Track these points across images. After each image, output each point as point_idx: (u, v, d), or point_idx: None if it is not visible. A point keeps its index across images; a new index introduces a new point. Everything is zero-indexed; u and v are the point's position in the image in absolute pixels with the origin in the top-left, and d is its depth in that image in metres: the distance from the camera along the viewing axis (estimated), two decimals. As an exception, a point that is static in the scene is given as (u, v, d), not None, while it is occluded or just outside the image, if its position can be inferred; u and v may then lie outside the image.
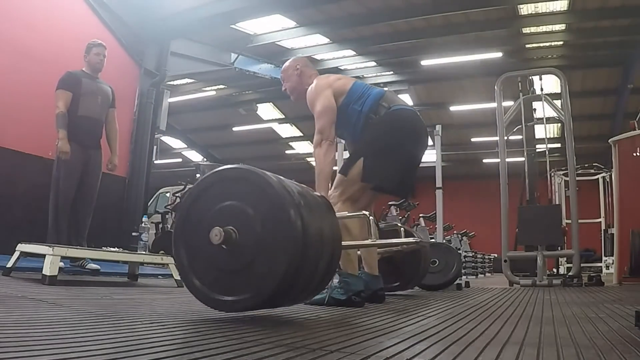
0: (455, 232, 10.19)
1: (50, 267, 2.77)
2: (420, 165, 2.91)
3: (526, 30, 9.53)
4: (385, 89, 2.98)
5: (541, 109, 6.44)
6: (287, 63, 3.05)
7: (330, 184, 2.67)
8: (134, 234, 5.70)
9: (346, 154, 5.18)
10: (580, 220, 5.94)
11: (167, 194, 9.75)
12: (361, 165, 2.65)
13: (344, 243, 2.16)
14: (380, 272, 2.94)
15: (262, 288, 1.57)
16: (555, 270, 9.10)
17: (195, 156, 18.51)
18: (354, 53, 10.57)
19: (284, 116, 15.19)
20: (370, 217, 2.41)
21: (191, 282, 1.70)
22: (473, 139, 15.57)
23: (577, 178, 6.69)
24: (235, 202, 1.66)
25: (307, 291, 1.82)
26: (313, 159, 2.64)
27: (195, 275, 1.69)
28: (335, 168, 2.79)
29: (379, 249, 3.04)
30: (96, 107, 3.96)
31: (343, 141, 4.37)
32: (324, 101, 2.71)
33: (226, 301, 1.63)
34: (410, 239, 2.88)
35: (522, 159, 7.75)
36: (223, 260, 1.64)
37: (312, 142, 2.86)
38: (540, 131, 9.40)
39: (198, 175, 6.93)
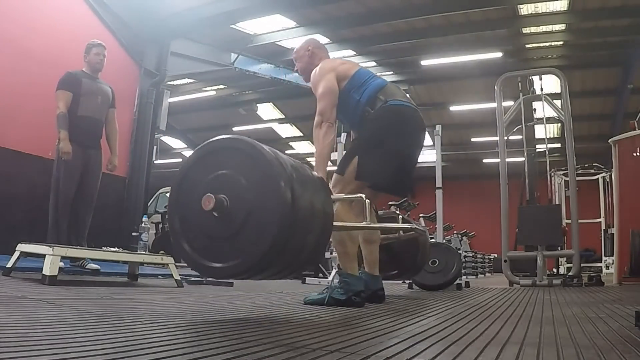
0: (455, 232, 10.20)
1: (50, 267, 2.77)
2: (421, 165, 2.90)
3: (526, 30, 9.53)
4: (389, 80, 2.96)
5: (541, 109, 6.44)
6: (300, 44, 3.06)
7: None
8: (134, 234, 5.70)
9: (340, 148, 5.22)
10: (580, 220, 5.94)
11: (167, 194, 9.76)
12: (356, 163, 2.64)
13: (337, 223, 2.16)
14: (379, 260, 2.93)
15: (250, 254, 1.60)
16: (555, 270, 9.11)
17: (195, 156, 18.48)
18: (354, 53, 10.57)
19: (284, 116, 15.19)
20: (367, 201, 2.36)
21: (182, 248, 1.74)
22: (473, 139, 15.57)
23: (577, 178, 6.69)
24: (228, 171, 1.69)
25: (296, 264, 1.83)
26: (313, 159, 2.63)
27: (186, 241, 1.73)
28: (332, 168, 2.78)
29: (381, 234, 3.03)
30: (96, 107, 3.96)
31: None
32: (326, 83, 2.70)
33: (214, 267, 1.67)
34: (406, 225, 2.85)
35: (522, 159, 7.75)
36: (214, 227, 1.66)
37: (312, 142, 2.86)
38: (540, 131, 9.40)
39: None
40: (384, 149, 2.65)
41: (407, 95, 3.00)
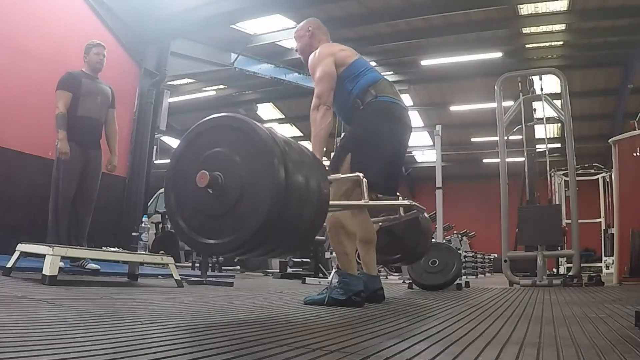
0: (455, 232, 10.19)
1: (50, 267, 2.77)
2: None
3: (526, 30, 9.53)
4: (383, 75, 2.95)
5: (541, 109, 6.44)
6: (301, 23, 3.05)
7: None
8: (134, 234, 5.69)
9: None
10: (580, 220, 5.94)
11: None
12: (349, 160, 2.64)
13: (333, 202, 2.17)
14: (381, 244, 2.92)
15: (244, 230, 1.62)
16: (555, 270, 9.11)
17: (195, 156, 18.50)
18: (354, 53, 10.57)
19: (284, 116, 15.19)
20: (364, 180, 2.34)
21: (178, 224, 1.76)
22: (473, 139, 15.57)
23: (577, 178, 6.69)
24: (223, 148, 1.71)
25: (292, 241, 1.83)
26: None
27: (182, 218, 1.75)
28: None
29: (378, 218, 3.00)
30: (96, 108, 3.96)
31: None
32: (324, 67, 2.71)
33: (209, 244, 1.69)
34: (404, 202, 2.80)
35: (522, 159, 7.75)
36: (209, 204, 1.68)
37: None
38: (540, 131, 9.40)
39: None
40: (374, 145, 2.64)
41: (399, 93, 2.97)
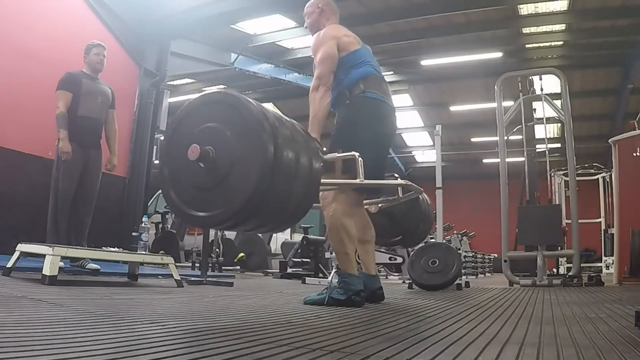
0: (455, 232, 10.19)
1: (50, 267, 2.77)
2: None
3: (526, 30, 9.53)
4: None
5: (541, 109, 6.44)
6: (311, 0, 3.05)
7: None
8: (134, 234, 5.70)
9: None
10: (580, 220, 5.93)
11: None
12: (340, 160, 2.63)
13: (326, 180, 2.20)
14: (382, 227, 2.90)
15: (234, 200, 1.66)
16: (555, 270, 9.10)
17: (195, 156, 18.49)
18: (354, 53, 10.56)
19: (284, 116, 15.19)
20: (360, 159, 2.32)
21: (170, 196, 1.81)
22: (473, 139, 15.56)
23: (577, 178, 6.68)
24: (215, 124, 1.75)
25: (282, 215, 1.85)
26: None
27: (174, 190, 1.80)
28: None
29: (377, 199, 3.00)
30: (96, 108, 3.97)
31: None
32: (326, 49, 2.73)
33: (200, 216, 1.73)
34: (401, 182, 2.79)
35: (522, 159, 7.75)
36: (200, 177, 1.73)
37: None
38: (540, 131, 9.41)
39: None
40: (361, 141, 2.62)
41: (389, 91, 2.95)
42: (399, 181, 2.77)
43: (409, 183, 2.70)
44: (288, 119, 1.89)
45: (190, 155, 1.68)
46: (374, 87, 2.78)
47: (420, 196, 3.48)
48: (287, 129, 1.78)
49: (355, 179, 2.40)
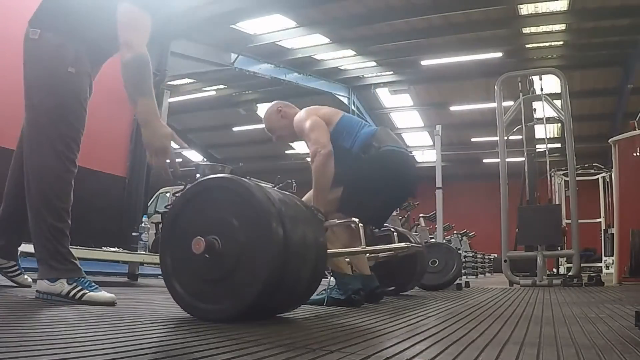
0: (455, 232, 10.18)
1: (50, 267, 2.76)
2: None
3: (526, 30, 9.54)
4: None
5: (541, 109, 6.44)
6: (266, 114, 2.99)
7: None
8: (134, 234, 5.69)
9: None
10: (580, 220, 5.94)
11: (167, 194, 9.75)
12: (339, 193, 2.62)
13: (332, 250, 2.17)
14: (376, 276, 2.91)
15: (244, 296, 1.59)
16: (555, 270, 9.11)
17: (195, 156, 18.51)
18: (354, 53, 10.57)
19: (284, 116, 15.18)
20: (361, 225, 2.35)
21: (173, 288, 1.73)
22: (473, 139, 15.57)
23: (577, 178, 6.69)
24: (219, 211, 1.69)
25: (292, 299, 1.85)
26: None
27: (178, 283, 1.72)
28: None
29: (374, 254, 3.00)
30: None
31: None
32: (313, 119, 2.67)
33: (208, 310, 1.65)
34: (402, 244, 2.81)
35: (522, 159, 7.75)
36: (207, 269, 1.66)
37: None
38: (540, 131, 9.40)
39: (198, 175, 6.93)
40: (373, 192, 2.63)
41: (398, 139, 2.96)
42: (402, 245, 2.78)
43: (409, 245, 2.71)
44: (287, 194, 1.86)
45: (196, 249, 1.61)
46: (386, 140, 2.76)
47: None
48: (291, 209, 1.74)
49: (345, 216, 2.48)
